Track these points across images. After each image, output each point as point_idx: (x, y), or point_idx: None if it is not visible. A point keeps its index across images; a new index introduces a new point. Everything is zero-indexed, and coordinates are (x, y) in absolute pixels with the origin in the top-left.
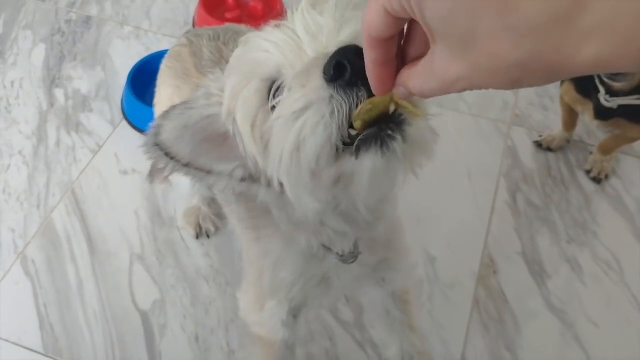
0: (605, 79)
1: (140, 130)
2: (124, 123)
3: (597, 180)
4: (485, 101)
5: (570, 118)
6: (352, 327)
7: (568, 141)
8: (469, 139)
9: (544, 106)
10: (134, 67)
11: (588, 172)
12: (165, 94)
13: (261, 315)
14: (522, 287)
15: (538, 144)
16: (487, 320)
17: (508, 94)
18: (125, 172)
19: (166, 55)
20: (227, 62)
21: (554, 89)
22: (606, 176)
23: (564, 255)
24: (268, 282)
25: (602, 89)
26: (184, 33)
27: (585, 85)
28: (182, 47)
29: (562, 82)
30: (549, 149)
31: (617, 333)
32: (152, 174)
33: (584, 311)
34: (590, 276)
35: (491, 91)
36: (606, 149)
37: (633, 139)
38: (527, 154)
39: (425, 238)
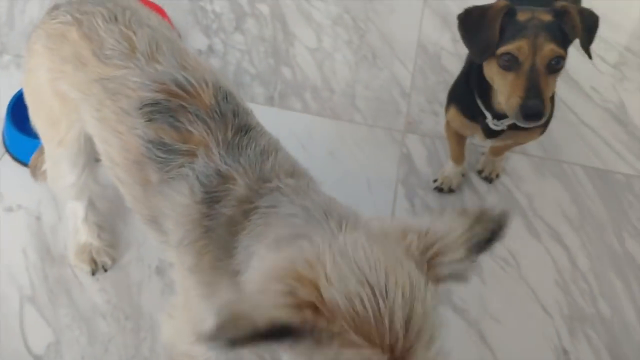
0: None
1: (24, 163)
2: (7, 157)
3: (488, 179)
4: (380, 111)
5: (459, 147)
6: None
7: (463, 175)
8: (366, 149)
9: (435, 112)
10: (14, 97)
11: (480, 172)
12: (44, 79)
13: (193, 348)
14: None
15: (439, 190)
16: None
17: (401, 102)
18: (10, 209)
19: (40, 34)
20: (142, 55)
21: (442, 95)
22: (497, 175)
23: None
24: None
25: (488, 115)
26: (59, 7)
27: (471, 110)
28: (67, 27)
29: (447, 109)
30: (450, 190)
31: (519, 327)
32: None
33: (486, 309)
34: (490, 274)
35: (385, 100)
36: (497, 152)
37: (523, 142)
38: (421, 159)
39: None
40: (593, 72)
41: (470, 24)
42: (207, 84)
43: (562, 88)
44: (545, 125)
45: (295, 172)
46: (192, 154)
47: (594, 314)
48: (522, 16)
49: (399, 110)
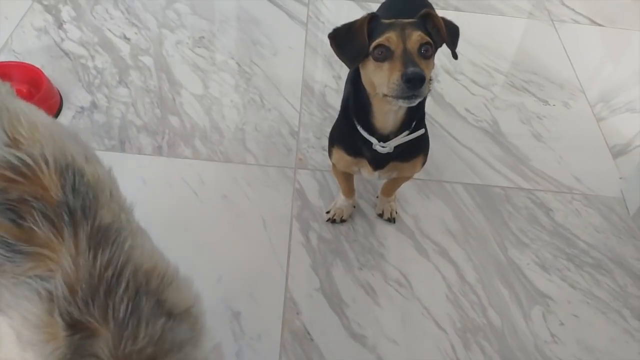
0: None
1: None
2: None
3: (391, 220)
4: (271, 150)
5: (348, 183)
6: None
7: (354, 207)
8: (260, 189)
9: (323, 147)
10: None
11: (380, 215)
12: None
13: None
14: (325, 322)
15: (332, 221)
16: None
17: (290, 140)
18: None
19: None
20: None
21: (329, 129)
22: (396, 213)
23: (358, 282)
24: None
25: (374, 140)
26: None
27: (355, 146)
28: None
29: (331, 153)
30: (342, 220)
31: (415, 345)
32: None
33: (383, 332)
34: (384, 297)
35: (275, 139)
36: (388, 192)
37: (408, 178)
38: (313, 193)
39: (227, 294)
40: (466, 95)
41: (340, 38)
42: (47, 163)
43: (439, 113)
44: (425, 155)
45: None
46: (41, 263)
47: (485, 324)
48: (386, 20)
49: (289, 148)
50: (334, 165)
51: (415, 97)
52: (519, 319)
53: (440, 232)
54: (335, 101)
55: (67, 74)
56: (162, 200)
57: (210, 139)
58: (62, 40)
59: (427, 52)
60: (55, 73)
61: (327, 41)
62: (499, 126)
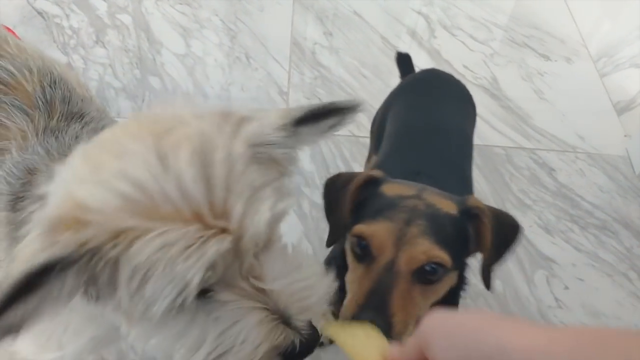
0: None
1: None
2: None
3: None
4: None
5: None
6: None
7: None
8: None
9: None
10: None
11: None
12: None
13: None
14: None
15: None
16: None
17: (279, 101)
18: None
19: None
20: None
21: (320, 89)
22: None
23: None
24: None
25: None
26: None
27: None
28: None
29: None
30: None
31: None
32: None
33: None
34: None
35: (262, 100)
36: None
37: None
38: (304, 157)
39: None
40: (464, 51)
41: (333, 193)
42: (30, 71)
43: None
44: None
45: None
46: (4, 150)
47: (486, 290)
48: (392, 190)
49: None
50: None
51: None
52: (522, 283)
53: None
54: (327, 59)
55: (41, 35)
56: None
57: (193, 100)
58: None
59: (433, 276)
60: (28, 34)
61: None
62: (498, 83)
